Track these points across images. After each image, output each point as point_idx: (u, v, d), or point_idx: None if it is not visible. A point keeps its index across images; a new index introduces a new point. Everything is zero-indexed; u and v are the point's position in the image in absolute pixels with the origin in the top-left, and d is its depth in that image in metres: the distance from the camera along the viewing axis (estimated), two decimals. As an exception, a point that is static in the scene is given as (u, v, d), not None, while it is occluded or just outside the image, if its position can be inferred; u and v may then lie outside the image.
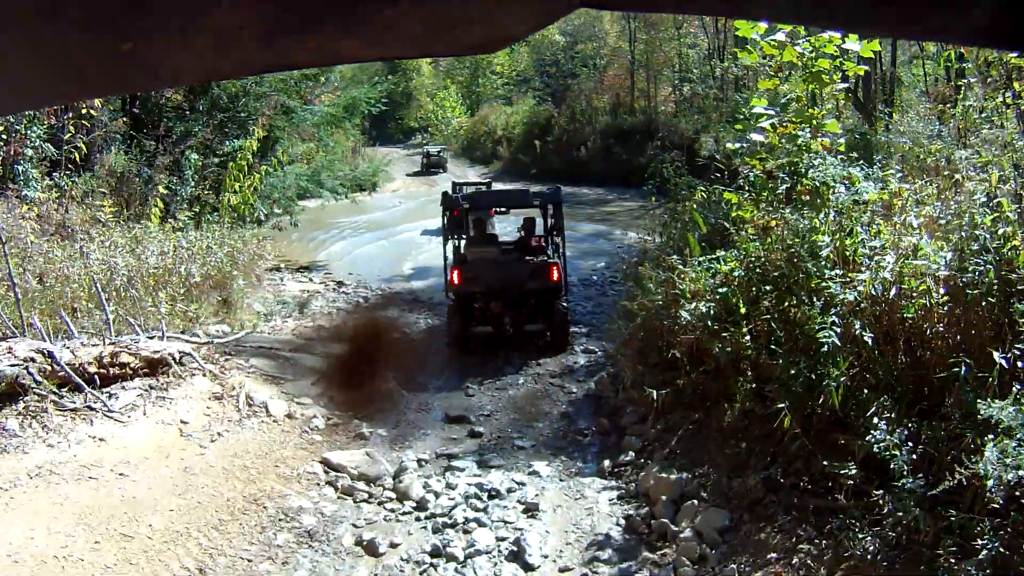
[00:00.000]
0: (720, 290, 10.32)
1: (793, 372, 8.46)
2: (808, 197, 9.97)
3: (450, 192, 18.10)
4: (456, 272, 15.03)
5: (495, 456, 11.48)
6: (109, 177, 19.59)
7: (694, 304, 10.53)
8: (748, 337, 9.65)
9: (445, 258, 16.17)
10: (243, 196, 22.51)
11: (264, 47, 1.70)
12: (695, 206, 13.97)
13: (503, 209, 19.16)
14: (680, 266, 11.28)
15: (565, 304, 15.61)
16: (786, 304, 9.36)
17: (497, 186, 39.08)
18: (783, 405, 8.27)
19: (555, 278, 15.06)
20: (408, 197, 45.69)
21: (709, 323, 10.23)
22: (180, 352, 12.55)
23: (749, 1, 1.89)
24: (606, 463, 10.91)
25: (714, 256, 10.93)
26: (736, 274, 10.19)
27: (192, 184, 22.76)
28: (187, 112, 24.09)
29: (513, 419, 12.91)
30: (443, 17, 1.72)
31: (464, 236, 16.57)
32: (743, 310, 9.91)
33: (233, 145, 23.07)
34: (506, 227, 22.60)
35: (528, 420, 12.83)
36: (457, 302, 15.20)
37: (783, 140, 10.51)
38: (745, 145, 11.81)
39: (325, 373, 13.78)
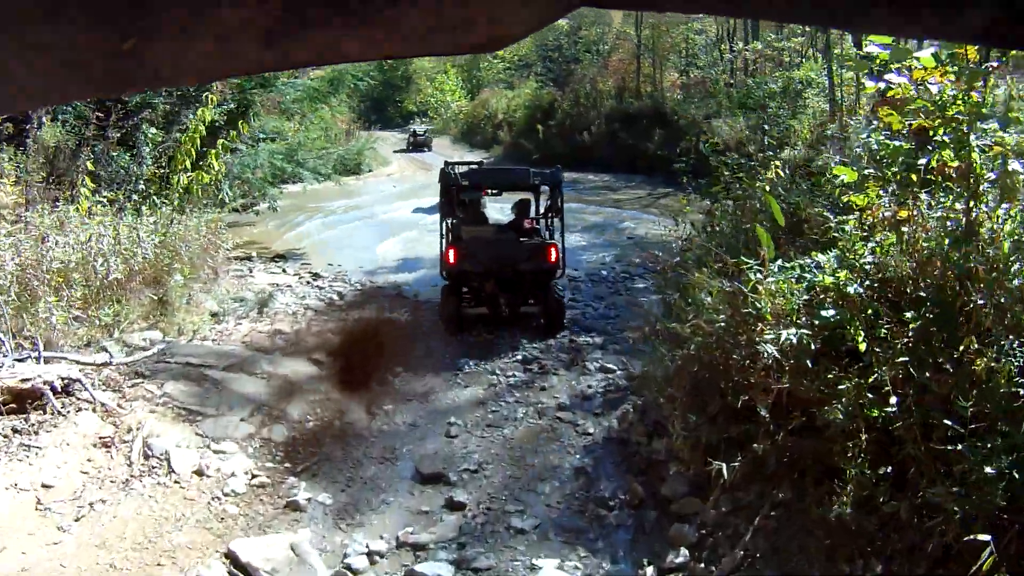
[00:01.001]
0: (823, 312, 6.59)
1: (988, 469, 4.77)
2: (966, 177, 6.22)
3: (447, 170, 15.76)
4: (452, 251, 14.46)
5: (482, 547, 7.81)
6: (38, 153, 15.82)
7: (778, 331, 6.76)
8: (868, 387, 6.02)
9: (442, 236, 15.41)
10: (198, 176, 18.75)
11: (266, 46, 1.70)
12: (766, 188, 10.20)
13: (497, 191, 17.54)
14: (754, 274, 7.45)
15: (561, 286, 15.45)
16: (948, 342, 5.67)
17: None
18: (981, 538, 4.58)
19: (552, 259, 14.58)
20: (403, 180, 41.93)
21: (804, 361, 6.55)
22: (64, 379, 8.94)
23: (749, 0, 1.92)
24: (648, 570, 7.13)
25: (807, 261, 7.22)
26: (851, 289, 6.47)
27: (150, 162, 18.97)
28: (145, 78, 20.13)
29: (509, 478, 9.24)
30: (444, 16, 1.72)
31: (459, 216, 15.59)
32: (862, 344, 6.23)
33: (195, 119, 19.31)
34: (494, 212, 19.60)
35: (529, 480, 9.17)
36: (452, 282, 14.71)
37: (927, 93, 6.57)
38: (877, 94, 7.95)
39: (264, 402, 10.15)
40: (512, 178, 17.67)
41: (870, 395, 6.02)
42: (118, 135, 17.90)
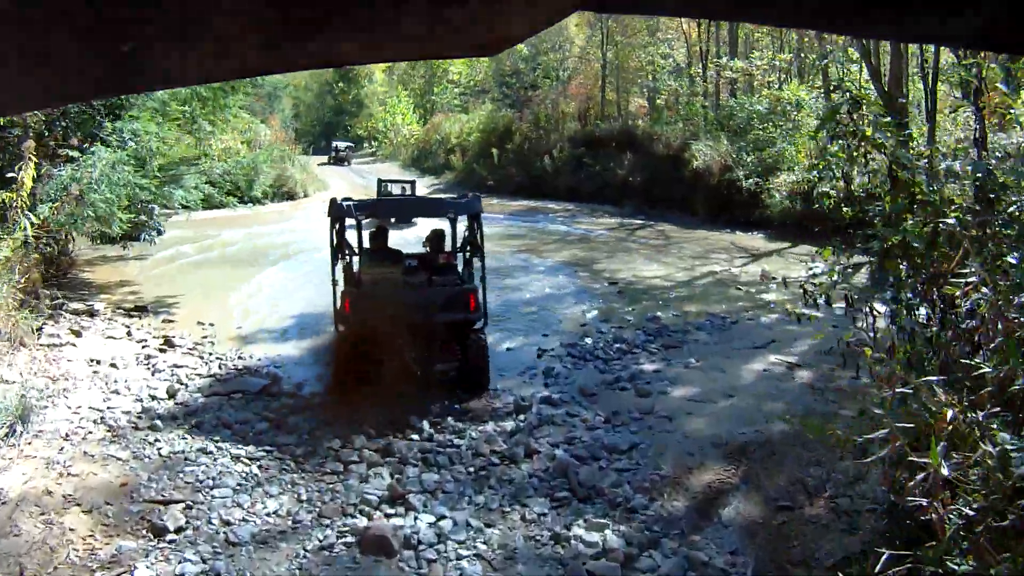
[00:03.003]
0: None
1: None
2: None
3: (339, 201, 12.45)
4: (348, 300, 11.60)
5: None
6: None
7: None
8: None
9: (334, 281, 12.03)
10: (7, 198, 11.76)
11: (266, 50, 1.67)
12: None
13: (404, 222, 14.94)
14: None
15: (483, 337, 12.05)
16: None
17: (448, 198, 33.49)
18: None
19: (472, 307, 11.81)
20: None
21: None
22: None
23: (751, 4, 1.82)
24: None
25: None
26: None
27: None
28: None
29: None
30: (444, 19, 1.66)
31: (358, 252, 12.39)
32: None
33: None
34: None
35: None
36: (350, 335, 11.66)
37: None
38: None
39: None
40: (421, 208, 15.43)
41: None
42: None
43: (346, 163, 57.47)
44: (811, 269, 20.90)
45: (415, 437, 10.47)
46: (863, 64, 28.13)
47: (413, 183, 32.12)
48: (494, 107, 50.25)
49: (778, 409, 11.00)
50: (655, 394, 11.64)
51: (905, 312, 7.17)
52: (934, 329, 6.90)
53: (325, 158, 58.59)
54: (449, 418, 10.94)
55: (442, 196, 16.59)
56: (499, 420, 10.93)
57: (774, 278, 20.12)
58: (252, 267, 21.40)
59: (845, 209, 7.97)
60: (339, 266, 12.39)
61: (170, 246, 22.31)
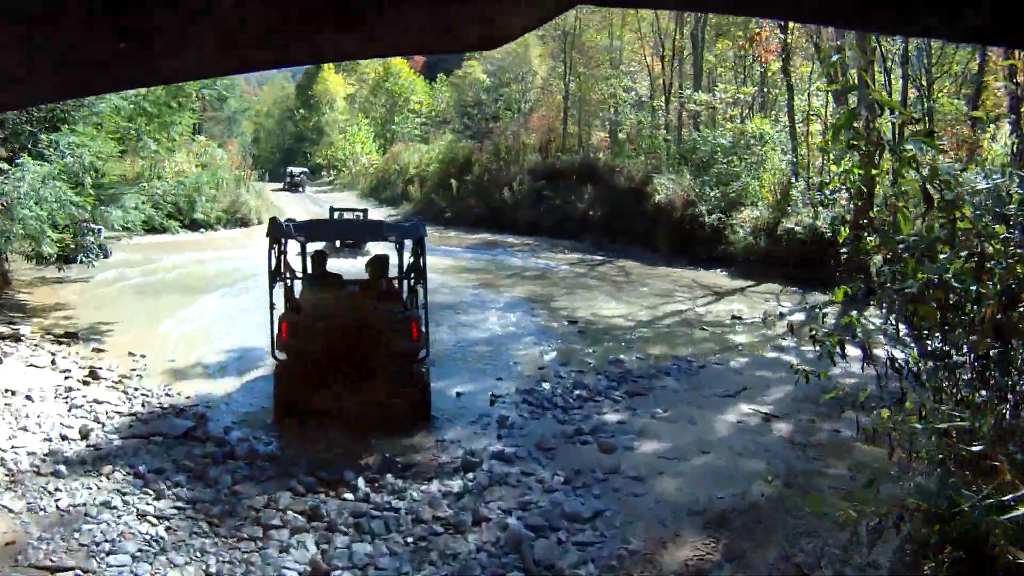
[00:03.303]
0: None
1: None
2: None
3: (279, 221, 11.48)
4: (285, 326, 10.88)
5: None
6: None
7: None
8: None
9: (271, 305, 11.13)
10: None
11: (266, 45, 1.67)
12: None
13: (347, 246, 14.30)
14: None
15: (425, 369, 11.41)
16: None
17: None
18: None
19: (415, 337, 11.09)
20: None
21: None
22: None
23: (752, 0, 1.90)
24: None
25: None
26: None
27: None
28: None
29: None
30: (443, 15, 1.66)
31: (299, 277, 12.09)
32: None
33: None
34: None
35: None
36: (288, 363, 10.91)
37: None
38: None
39: None
40: (361, 232, 14.82)
41: None
42: None
43: (300, 189, 56.64)
44: (780, 309, 19.40)
45: (348, 496, 9.10)
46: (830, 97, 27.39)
47: (365, 211, 31.57)
48: (454, 137, 49.17)
49: (758, 468, 9.78)
50: (620, 449, 10.34)
51: (944, 371, 5.90)
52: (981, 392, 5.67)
53: (282, 184, 57.18)
54: (388, 475, 9.57)
55: (384, 220, 15.00)
56: (445, 478, 9.57)
57: (781, 314, 19.13)
58: (195, 294, 19.91)
59: (869, 239, 6.62)
60: (278, 290, 11.48)
61: (114, 268, 20.81)
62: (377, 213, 46.09)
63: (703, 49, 39.04)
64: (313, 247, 12.70)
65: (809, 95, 30.28)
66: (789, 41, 29.20)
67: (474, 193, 39.67)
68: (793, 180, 26.88)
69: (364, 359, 10.71)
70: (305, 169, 62.74)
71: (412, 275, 11.98)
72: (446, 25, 1.71)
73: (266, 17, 1.53)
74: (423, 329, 11.35)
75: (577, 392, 12.83)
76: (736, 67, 39.78)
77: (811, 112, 29.23)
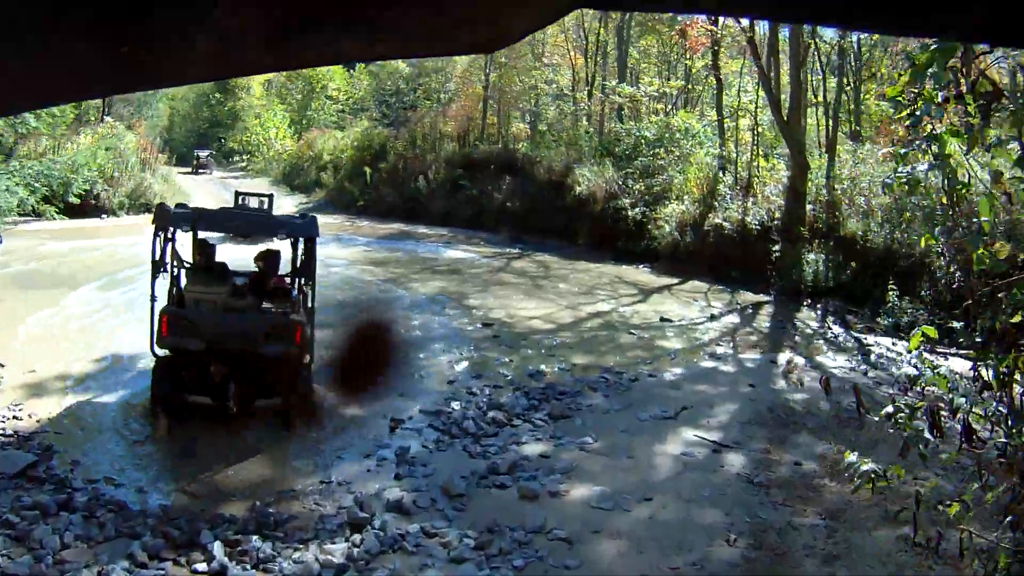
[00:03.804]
0: None
1: None
2: None
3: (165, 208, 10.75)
4: (166, 319, 9.93)
5: None
6: None
7: None
8: None
9: (153, 298, 10.31)
10: None
11: (268, 47, 1.64)
12: None
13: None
14: None
15: (307, 373, 10.49)
16: None
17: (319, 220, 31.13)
18: None
19: (298, 340, 10.07)
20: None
21: None
22: None
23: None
24: None
25: None
26: None
27: None
28: None
29: None
30: (445, 17, 1.64)
31: (186, 267, 11.21)
32: None
33: None
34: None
35: None
36: (166, 359, 10.10)
37: None
38: None
39: None
40: (248, 225, 12.83)
41: None
42: None
43: (208, 170, 54.32)
44: (711, 311, 17.16)
45: (200, 568, 6.77)
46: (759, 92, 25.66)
47: (271, 197, 28.84)
48: (370, 124, 46.37)
49: (716, 520, 7.75)
50: (545, 496, 8.17)
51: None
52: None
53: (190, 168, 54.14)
54: (255, 537, 7.22)
55: (278, 215, 13.25)
56: (327, 538, 7.34)
57: (712, 316, 17.14)
58: (72, 286, 17.11)
59: (981, 250, 4.42)
60: (164, 281, 10.76)
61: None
62: (289, 201, 43.18)
63: (628, 44, 37.11)
64: (203, 236, 11.54)
65: (739, 90, 28.49)
66: (720, 35, 27.38)
67: (388, 182, 37.03)
68: (720, 175, 24.99)
69: (243, 360, 9.91)
70: (211, 151, 60.25)
71: (302, 274, 11.22)
72: (448, 28, 1.63)
73: (266, 21, 1.46)
74: (308, 333, 10.35)
75: (492, 414, 10.67)
76: (660, 63, 37.96)
77: (740, 108, 27.42)
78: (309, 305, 10.75)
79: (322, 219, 36.56)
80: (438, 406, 11.11)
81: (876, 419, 12.50)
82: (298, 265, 11.62)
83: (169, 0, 1.46)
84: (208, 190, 44.65)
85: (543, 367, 13.02)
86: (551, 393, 11.66)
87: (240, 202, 28.62)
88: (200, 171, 53.94)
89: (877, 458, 10.57)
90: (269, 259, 11.28)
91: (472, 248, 26.82)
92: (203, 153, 58.15)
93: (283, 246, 11.94)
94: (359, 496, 8.22)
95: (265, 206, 28.81)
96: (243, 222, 13.02)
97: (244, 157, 59.05)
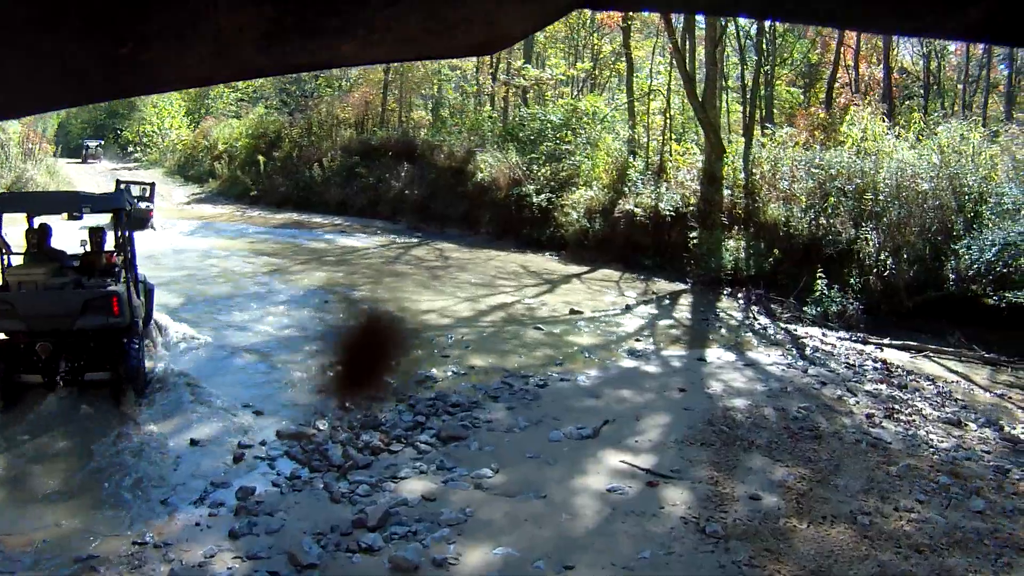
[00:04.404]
0: None
1: None
2: None
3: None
4: None
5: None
6: None
7: None
8: None
9: None
10: None
11: (264, 50, 1.56)
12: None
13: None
14: None
15: (137, 344, 9.91)
16: None
17: (207, 208, 32.83)
18: None
19: (117, 311, 9.72)
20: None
21: None
22: None
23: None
24: None
25: None
26: None
27: None
28: None
29: None
30: (442, 19, 1.58)
31: (15, 252, 10.76)
32: None
33: None
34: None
35: None
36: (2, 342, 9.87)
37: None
38: None
39: None
40: (53, 203, 12.08)
41: None
42: None
43: (97, 160, 51.80)
44: (626, 301, 14.25)
45: None
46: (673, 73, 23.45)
47: (152, 185, 27.46)
48: (265, 111, 42.92)
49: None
50: (427, 568, 5.57)
51: None
52: None
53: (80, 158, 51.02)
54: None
55: (82, 192, 13.11)
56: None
57: (627, 306, 14.72)
58: None
59: None
60: None
61: None
62: (181, 191, 39.89)
63: (533, 26, 34.63)
64: (39, 221, 10.75)
65: (651, 71, 26.20)
66: (631, 16, 25.10)
67: (282, 170, 33.95)
68: (631, 159, 22.63)
69: (68, 336, 9.65)
70: (101, 142, 57.78)
71: (122, 248, 10.63)
72: (446, 29, 1.56)
73: (263, 23, 1.41)
74: (130, 302, 9.89)
75: (366, 437, 8.07)
76: (567, 47, 35.57)
77: (651, 89, 25.07)
78: (141, 277, 10.90)
79: (213, 209, 33.19)
80: (300, 425, 8.46)
81: (833, 429, 10.31)
82: (116, 244, 10.98)
83: (166, 3, 1.35)
84: (95, 181, 40.98)
85: (434, 371, 10.43)
86: (442, 405, 9.08)
87: (122, 188, 27.16)
88: (89, 161, 50.95)
89: (846, 483, 8.35)
90: (93, 237, 10.85)
91: (367, 237, 24.03)
92: (92, 144, 55.56)
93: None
94: (175, 571, 5.55)
95: (147, 193, 26.49)
96: (49, 201, 12.52)
97: (139, 148, 54.81)
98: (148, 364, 10.30)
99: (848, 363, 12.66)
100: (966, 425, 10.02)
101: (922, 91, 27.75)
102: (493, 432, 8.36)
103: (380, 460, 7.61)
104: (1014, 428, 10.22)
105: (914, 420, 9.95)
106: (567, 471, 7.40)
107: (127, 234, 10.38)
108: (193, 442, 8.15)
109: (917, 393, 11.27)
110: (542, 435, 8.31)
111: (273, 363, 10.90)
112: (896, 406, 10.44)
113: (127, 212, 10.54)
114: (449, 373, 10.42)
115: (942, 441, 9.29)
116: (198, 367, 10.62)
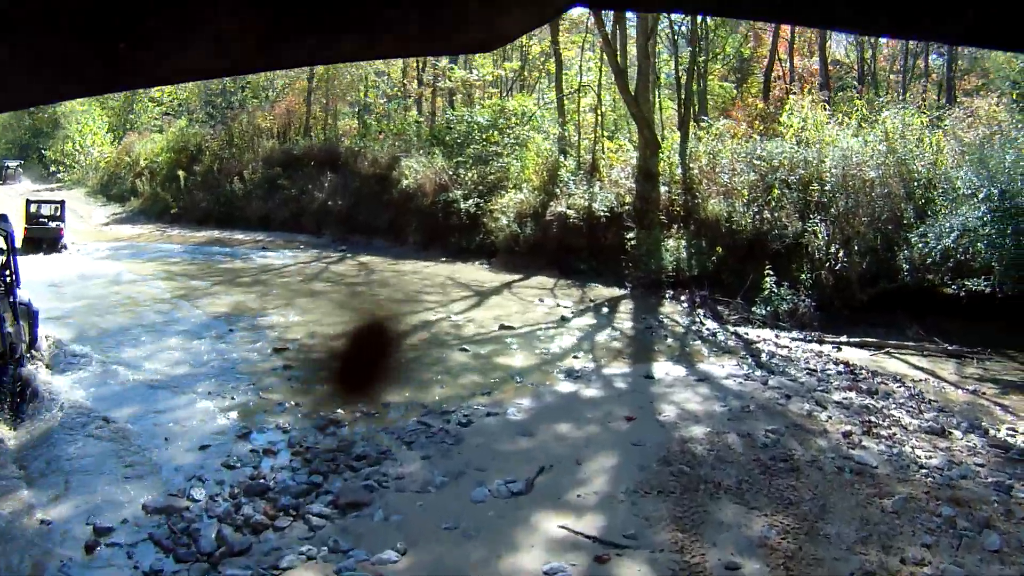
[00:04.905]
0: None
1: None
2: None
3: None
4: None
5: None
6: None
7: None
8: None
9: None
10: None
11: (264, 47, 1.51)
12: None
13: None
14: None
15: (24, 368, 9.29)
16: None
17: (126, 228, 31.10)
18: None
19: None
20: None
21: None
22: None
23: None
24: None
25: None
26: None
27: None
28: None
29: None
30: (441, 17, 1.52)
31: None
32: None
33: None
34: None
35: None
36: None
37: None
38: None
39: None
40: None
41: None
42: None
43: (15, 181, 49.61)
44: (562, 312, 11.98)
45: None
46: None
47: (62, 203, 25.99)
48: (186, 124, 40.49)
49: None
50: None
51: None
52: None
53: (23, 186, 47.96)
54: None
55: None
56: None
57: (564, 317, 13.06)
58: None
59: None
60: None
61: None
62: (101, 212, 37.30)
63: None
64: None
65: (580, 67, 24.58)
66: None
67: (203, 185, 31.69)
68: (562, 159, 20.96)
69: None
70: (20, 161, 55.03)
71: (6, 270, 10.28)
72: (445, 27, 1.48)
73: (262, 19, 1.32)
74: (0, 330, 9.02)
75: (248, 508, 6.29)
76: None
77: (582, 85, 23.42)
78: (22, 300, 10.23)
79: (132, 230, 30.72)
80: (172, 496, 6.62)
81: (810, 456, 8.74)
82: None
83: (166, 0, 1.31)
84: (13, 204, 38.32)
85: (339, 411, 8.61)
86: (344, 459, 7.32)
87: (30, 210, 25.53)
88: (8, 183, 48.57)
89: (839, 531, 6.77)
90: None
91: (289, 253, 22.05)
92: (12, 164, 53.00)
93: None
94: None
95: (58, 212, 24.70)
96: None
97: (61, 167, 51.79)
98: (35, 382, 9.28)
99: (809, 368, 11.19)
100: (950, 433, 8.69)
101: (856, 81, 26.64)
102: (403, 494, 6.61)
103: (261, 542, 5.84)
104: (998, 431, 8.98)
105: (895, 434, 8.50)
106: (492, 546, 5.69)
107: (10, 259, 10.05)
108: (43, 522, 6.28)
109: (890, 399, 9.86)
110: (463, 494, 6.59)
111: (157, 409, 9.01)
112: (872, 418, 8.98)
113: (6, 237, 10.14)
114: (357, 414, 8.63)
115: (931, 457, 7.86)
116: (76, 416, 8.71)
